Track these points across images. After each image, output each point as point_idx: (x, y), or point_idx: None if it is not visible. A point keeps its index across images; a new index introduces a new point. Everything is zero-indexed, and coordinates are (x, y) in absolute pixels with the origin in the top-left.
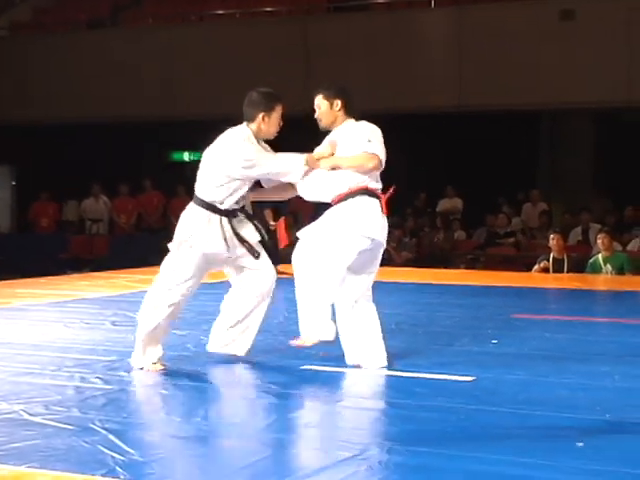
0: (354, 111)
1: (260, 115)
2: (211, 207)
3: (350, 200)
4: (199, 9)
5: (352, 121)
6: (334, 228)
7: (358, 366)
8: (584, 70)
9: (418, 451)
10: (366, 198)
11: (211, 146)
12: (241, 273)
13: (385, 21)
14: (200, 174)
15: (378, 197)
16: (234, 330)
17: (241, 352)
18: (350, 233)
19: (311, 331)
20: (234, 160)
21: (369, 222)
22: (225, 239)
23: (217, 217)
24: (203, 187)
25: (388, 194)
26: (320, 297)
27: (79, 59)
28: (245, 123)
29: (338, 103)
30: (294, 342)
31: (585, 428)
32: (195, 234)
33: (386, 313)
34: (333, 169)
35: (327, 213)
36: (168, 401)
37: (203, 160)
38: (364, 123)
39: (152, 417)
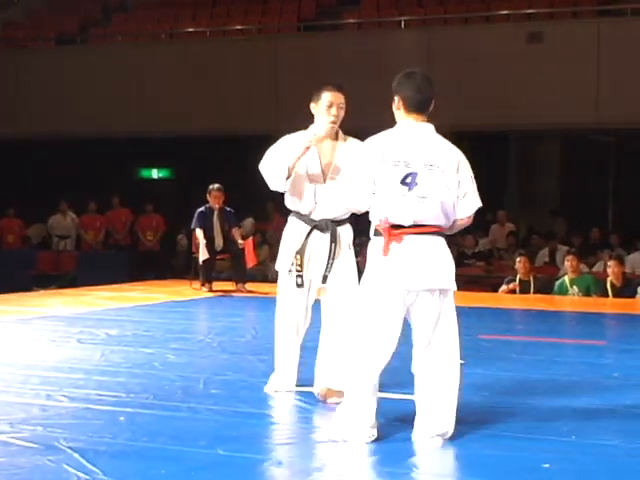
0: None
1: (311, 106)
2: None
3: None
4: (169, 27)
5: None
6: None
7: None
8: (552, 92)
9: (384, 471)
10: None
11: None
12: None
13: (355, 41)
14: None
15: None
16: None
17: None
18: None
19: (340, 428)
20: None
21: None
22: None
23: None
24: None
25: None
26: (354, 387)
27: (48, 75)
28: None
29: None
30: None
31: (551, 449)
32: None
33: None
34: None
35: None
36: (134, 420)
37: None
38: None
39: (118, 436)
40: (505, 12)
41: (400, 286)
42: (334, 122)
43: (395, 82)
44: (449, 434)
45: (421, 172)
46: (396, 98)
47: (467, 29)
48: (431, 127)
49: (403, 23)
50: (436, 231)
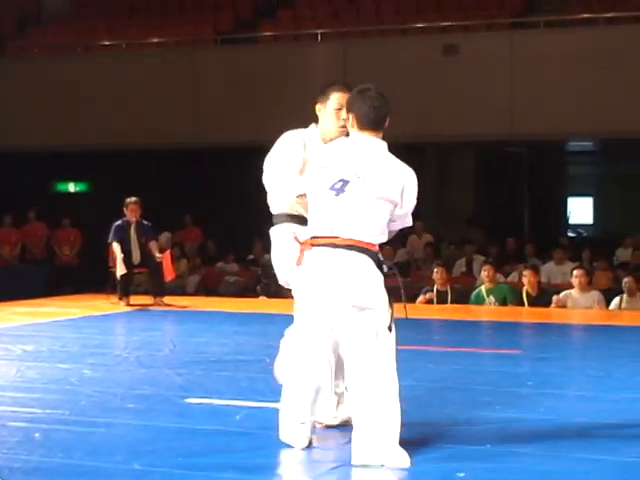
0: None
1: (316, 108)
2: None
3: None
4: (85, 40)
5: None
6: None
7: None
8: (468, 103)
9: None
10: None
11: None
12: None
13: (272, 54)
14: None
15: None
16: None
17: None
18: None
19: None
20: None
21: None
22: None
23: None
24: None
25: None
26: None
27: None
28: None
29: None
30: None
31: (466, 457)
32: None
33: (268, 345)
34: None
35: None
36: (50, 436)
37: None
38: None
39: (33, 453)
40: (421, 25)
41: (311, 297)
42: (343, 126)
43: (349, 99)
44: (380, 461)
45: (353, 181)
46: (350, 116)
47: (383, 42)
48: (381, 143)
49: (320, 36)
50: (354, 245)
